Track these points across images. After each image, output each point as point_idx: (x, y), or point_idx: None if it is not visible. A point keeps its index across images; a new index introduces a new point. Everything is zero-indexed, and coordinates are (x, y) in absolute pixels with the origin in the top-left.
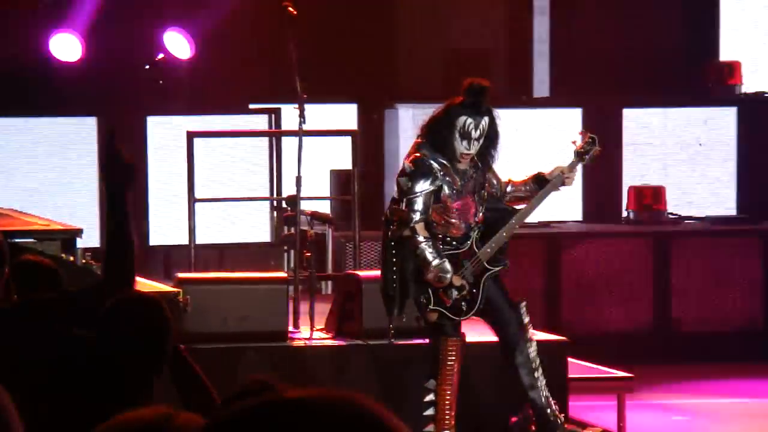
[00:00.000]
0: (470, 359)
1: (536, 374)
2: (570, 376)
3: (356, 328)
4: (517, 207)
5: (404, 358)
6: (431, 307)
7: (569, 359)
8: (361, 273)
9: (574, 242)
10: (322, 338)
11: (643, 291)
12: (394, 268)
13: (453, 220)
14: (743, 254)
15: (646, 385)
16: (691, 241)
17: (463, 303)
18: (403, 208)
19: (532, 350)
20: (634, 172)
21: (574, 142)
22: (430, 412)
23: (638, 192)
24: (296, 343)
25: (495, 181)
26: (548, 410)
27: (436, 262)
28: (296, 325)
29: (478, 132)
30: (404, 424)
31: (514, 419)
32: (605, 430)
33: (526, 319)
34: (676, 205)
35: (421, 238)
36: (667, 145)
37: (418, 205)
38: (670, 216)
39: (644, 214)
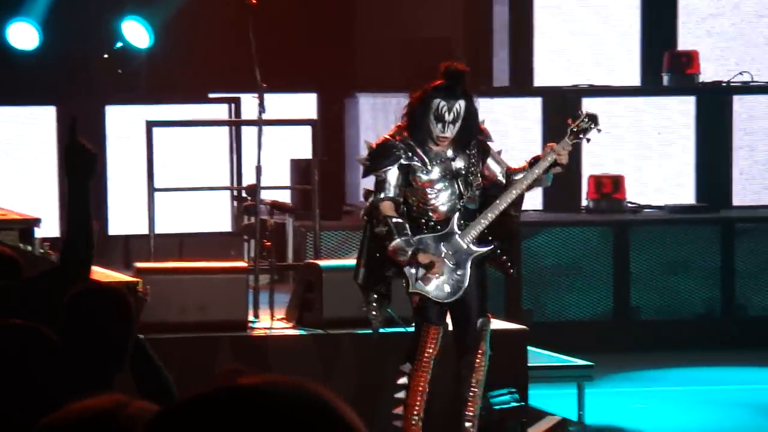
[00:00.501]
0: (443, 347)
1: (473, 390)
2: (530, 364)
3: (316, 318)
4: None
5: (363, 348)
6: (411, 289)
7: (529, 348)
8: (322, 262)
9: (533, 231)
10: (282, 328)
11: (602, 279)
12: (373, 257)
13: (431, 203)
14: (702, 242)
15: (605, 373)
16: (650, 229)
17: (446, 285)
18: (373, 189)
19: (481, 365)
20: (594, 161)
21: (569, 121)
22: (401, 395)
23: (598, 181)
24: (256, 332)
25: (499, 169)
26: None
27: (395, 239)
28: (256, 315)
29: (452, 115)
30: (357, 414)
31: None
32: (565, 418)
33: (485, 339)
34: (636, 193)
35: (383, 216)
36: (627, 134)
37: (385, 183)
38: (630, 205)
39: (604, 203)
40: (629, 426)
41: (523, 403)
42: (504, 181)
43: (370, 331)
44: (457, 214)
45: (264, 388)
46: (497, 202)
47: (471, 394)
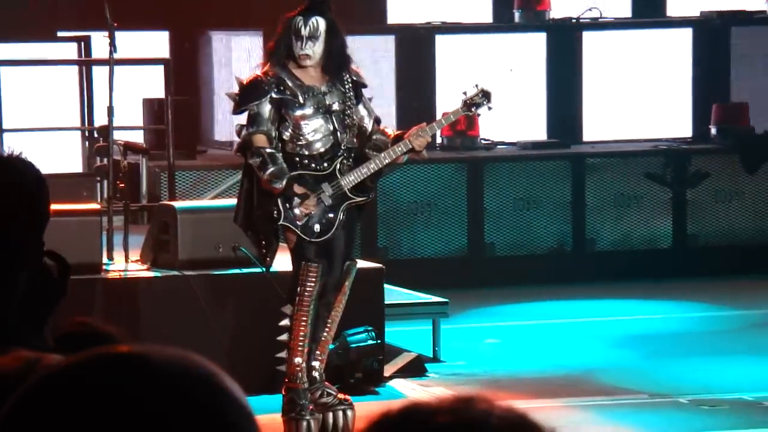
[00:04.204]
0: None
1: (327, 330)
2: (386, 302)
3: (171, 259)
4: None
5: (219, 288)
6: (281, 222)
7: (385, 285)
8: (176, 203)
9: (388, 168)
10: (136, 270)
11: (457, 216)
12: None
13: (305, 138)
14: (553, 178)
15: (460, 309)
16: (503, 165)
17: (317, 225)
18: (245, 124)
19: (339, 306)
20: (447, 99)
21: (464, 92)
22: (283, 337)
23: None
24: (111, 275)
25: (366, 114)
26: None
27: (269, 167)
28: (110, 257)
29: (307, 30)
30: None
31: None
32: (420, 355)
33: (349, 280)
34: (489, 130)
35: (255, 147)
36: (479, 71)
37: (257, 117)
38: (483, 141)
39: (458, 140)
40: (484, 360)
41: (379, 341)
42: (368, 131)
43: (259, 270)
44: (340, 158)
45: (147, 356)
46: (382, 155)
47: (324, 334)
